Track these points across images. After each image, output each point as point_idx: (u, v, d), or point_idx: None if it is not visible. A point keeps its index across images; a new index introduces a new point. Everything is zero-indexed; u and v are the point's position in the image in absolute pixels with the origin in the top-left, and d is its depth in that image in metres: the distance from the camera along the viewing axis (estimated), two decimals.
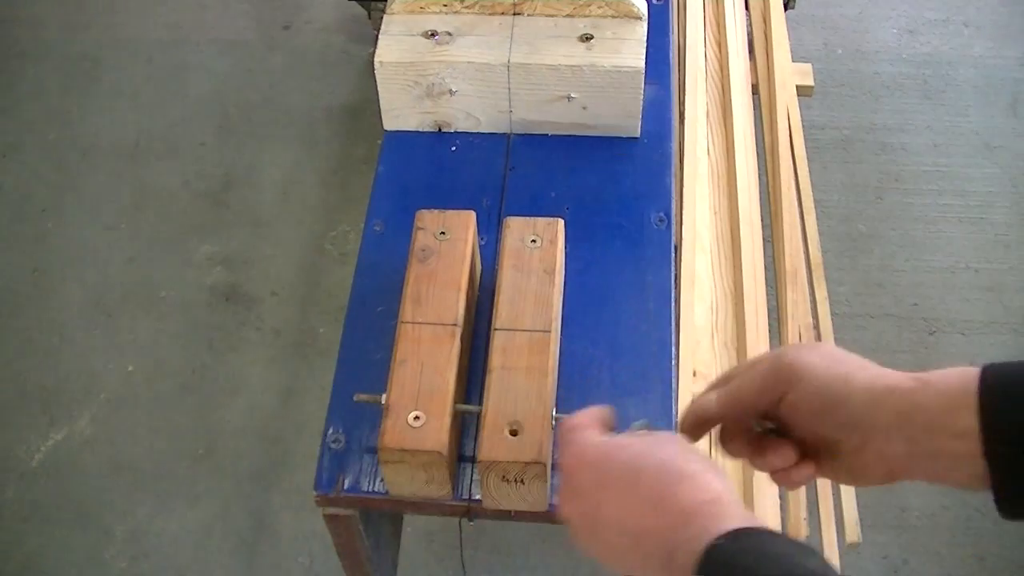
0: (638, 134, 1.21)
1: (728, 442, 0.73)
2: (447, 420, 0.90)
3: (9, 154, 2.28)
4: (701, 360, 1.36)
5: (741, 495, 1.28)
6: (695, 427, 0.74)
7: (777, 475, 0.72)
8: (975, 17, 2.48)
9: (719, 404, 0.72)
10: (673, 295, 1.09)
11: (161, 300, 2.03)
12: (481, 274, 1.09)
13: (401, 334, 0.95)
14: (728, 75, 1.70)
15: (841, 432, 0.67)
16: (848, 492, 1.44)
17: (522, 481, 0.89)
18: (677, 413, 1.00)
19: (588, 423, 0.73)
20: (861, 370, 0.67)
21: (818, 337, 1.57)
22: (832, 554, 1.35)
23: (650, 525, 0.63)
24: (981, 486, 0.62)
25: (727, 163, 1.61)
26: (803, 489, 1.35)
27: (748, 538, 0.59)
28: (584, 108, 1.18)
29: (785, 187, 1.68)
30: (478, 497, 0.94)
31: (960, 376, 0.63)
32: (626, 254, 1.12)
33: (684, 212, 1.48)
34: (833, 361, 0.67)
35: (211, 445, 1.84)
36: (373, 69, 1.17)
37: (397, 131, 1.22)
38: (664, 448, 0.67)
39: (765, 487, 1.27)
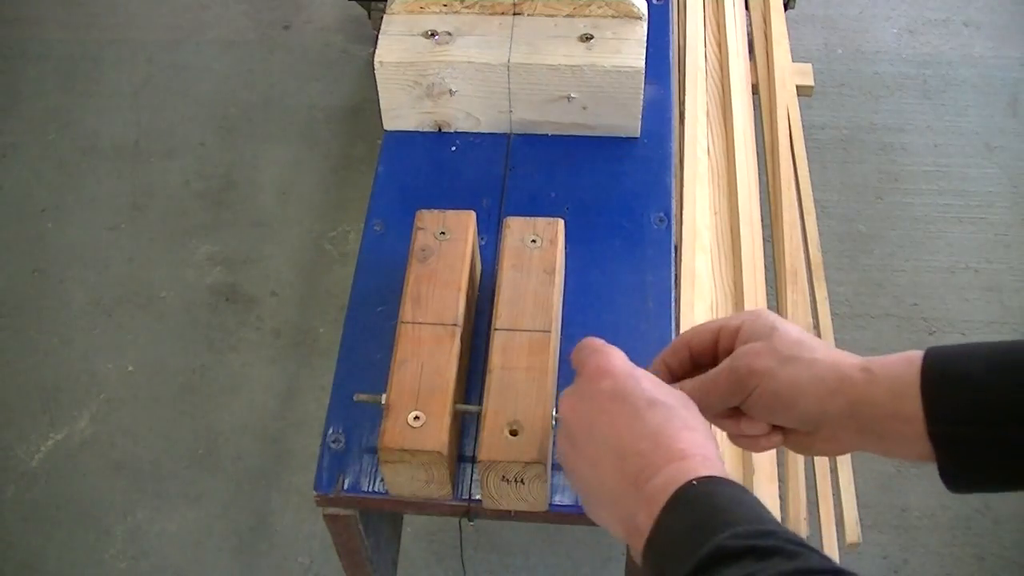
0: (638, 134, 1.21)
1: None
2: (447, 420, 0.90)
3: (9, 154, 2.28)
4: None
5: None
6: None
7: (743, 440, 0.76)
8: (975, 17, 2.48)
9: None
10: (673, 295, 1.09)
11: (161, 300, 2.03)
12: (481, 274, 1.09)
13: (401, 334, 0.95)
14: (728, 75, 1.70)
15: (796, 423, 0.73)
16: (848, 492, 1.43)
17: (522, 481, 0.89)
18: None
19: (617, 350, 0.75)
20: (812, 363, 0.71)
21: (818, 337, 1.57)
22: (832, 554, 1.35)
23: (642, 448, 0.66)
24: (927, 461, 0.68)
25: (727, 163, 1.61)
26: (803, 489, 1.35)
27: (725, 484, 0.63)
28: (584, 108, 1.18)
29: (785, 187, 1.68)
30: (478, 497, 0.94)
31: (905, 364, 0.68)
32: (626, 254, 1.12)
33: (684, 212, 1.48)
34: (785, 362, 0.71)
35: (211, 445, 1.84)
36: (373, 69, 1.17)
37: (397, 131, 1.22)
38: (678, 399, 0.70)
39: (764, 485, 1.27)
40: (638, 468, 0.65)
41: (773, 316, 0.75)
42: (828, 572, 0.57)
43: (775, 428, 0.75)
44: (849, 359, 0.71)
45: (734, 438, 0.77)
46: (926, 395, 0.66)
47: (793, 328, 0.74)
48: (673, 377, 0.79)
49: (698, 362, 0.78)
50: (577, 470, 0.70)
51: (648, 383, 0.70)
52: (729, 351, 0.75)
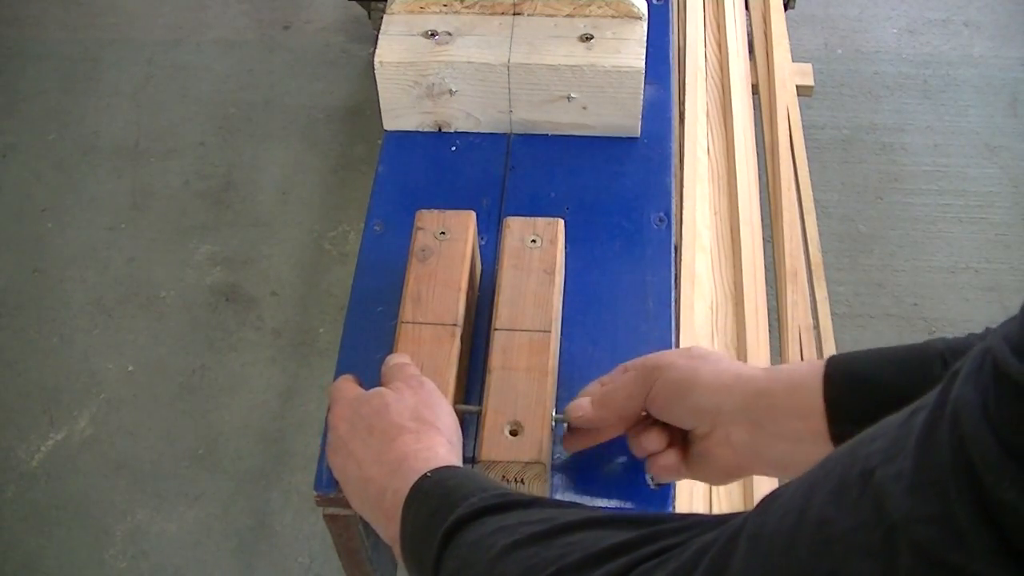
0: (638, 134, 1.20)
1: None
2: None
3: (9, 154, 2.28)
4: None
5: (741, 499, 1.29)
6: (575, 437, 0.84)
7: (650, 461, 0.80)
8: (975, 17, 2.48)
9: (594, 408, 0.79)
10: (673, 295, 1.09)
11: (161, 300, 2.03)
12: (481, 274, 1.09)
13: (401, 334, 0.95)
14: (728, 75, 1.70)
15: (692, 418, 0.73)
16: None
17: (522, 481, 0.89)
18: None
19: (350, 380, 0.83)
20: (716, 363, 0.73)
21: (818, 337, 1.57)
22: None
23: (373, 473, 0.71)
24: None
25: (727, 163, 1.61)
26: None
27: (455, 470, 0.67)
28: (584, 108, 1.18)
29: (785, 187, 1.68)
30: None
31: (808, 364, 0.68)
32: (626, 254, 1.11)
33: (684, 212, 1.48)
34: (690, 356, 0.74)
35: (211, 445, 1.84)
36: (373, 69, 1.17)
37: (397, 131, 1.22)
38: (400, 403, 0.75)
39: (765, 488, 1.27)
40: (376, 492, 0.70)
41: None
42: (566, 507, 0.60)
43: (671, 446, 0.77)
44: (754, 366, 0.73)
45: (645, 459, 0.80)
46: (828, 395, 0.66)
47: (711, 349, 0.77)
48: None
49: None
50: (357, 508, 0.76)
51: (366, 404, 0.76)
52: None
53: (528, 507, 0.60)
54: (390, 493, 0.69)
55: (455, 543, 0.60)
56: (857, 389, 0.65)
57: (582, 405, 0.80)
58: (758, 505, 0.47)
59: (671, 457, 0.78)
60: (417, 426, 0.73)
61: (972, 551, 0.36)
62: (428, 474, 0.67)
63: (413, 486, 0.66)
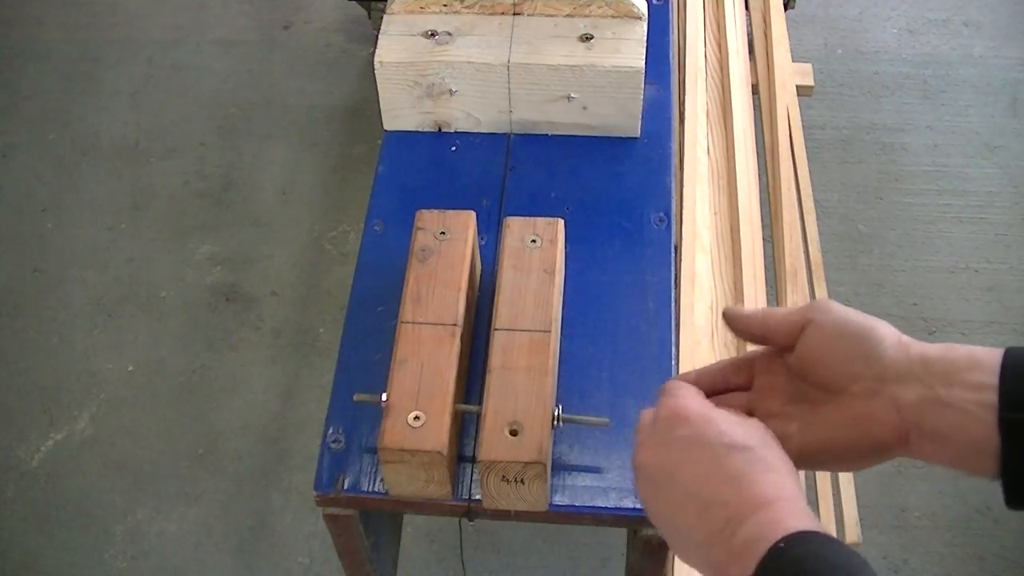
0: (638, 134, 1.21)
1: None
2: (447, 420, 0.90)
3: (9, 154, 2.28)
4: (701, 360, 1.36)
5: None
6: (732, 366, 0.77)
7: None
8: (975, 17, 2.48)
9: (756, 325, 0.74)
10: (673, 295, 1.09)
11: (161, 300, 2.03)
12: (481, 274, 1.09)
13: (401, 334, 0.95)
14: (728, 75, 1.70)
15: (865, 367, 0.68)
16: (848, 492, 1.44)
17: (522, 481, 0.89)
18: None
19: (693, 389, 0.74)
20: (889, 325, 0.68)
21: None
22: None
23: (727, 498, 0.64)
24: (980, 459, 0.63)
25: (727, 163, 1.61)
26: (803, 488, 1.35)
27: (813, 542, 0.60)
28: (584, 108, 1.18)
29: (785, 187, 1.68)
30: (478, 497, 0.94)
31: (986, 349, 0.64)
32: (626, 254, 1.12)
33: (684, 212, 1.48)
34: (854, 313, 0.69)
35: (211, 445, 1.84)
36: (373, 69, 1.17)
37: (397, 131, 1.22)
38: (758, 438, 0.68)
39: None
40: (724, 519, 0.64)
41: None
42: None
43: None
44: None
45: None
46: (1003, 379, 0.62)
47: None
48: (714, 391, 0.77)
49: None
50: (662, 516, 0.69)
51: (725, 425, 0.68)
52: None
53: None
54: (745, 531, 0.62)
55: None
56: None
57: (750, 316, 0.75)
58: None
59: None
60: (781, 466, 0.67)
61: None
62: (782, 544, 0.60)
63: (769, 554, 0.60)
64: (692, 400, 0.71)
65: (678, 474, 0.67)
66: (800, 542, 0.60)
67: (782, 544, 0.60)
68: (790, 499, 0.63)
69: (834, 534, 1.37)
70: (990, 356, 0.64)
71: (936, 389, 0.65)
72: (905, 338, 0.67)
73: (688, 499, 0.66)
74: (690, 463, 0.67)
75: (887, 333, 0.68)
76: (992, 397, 0.63)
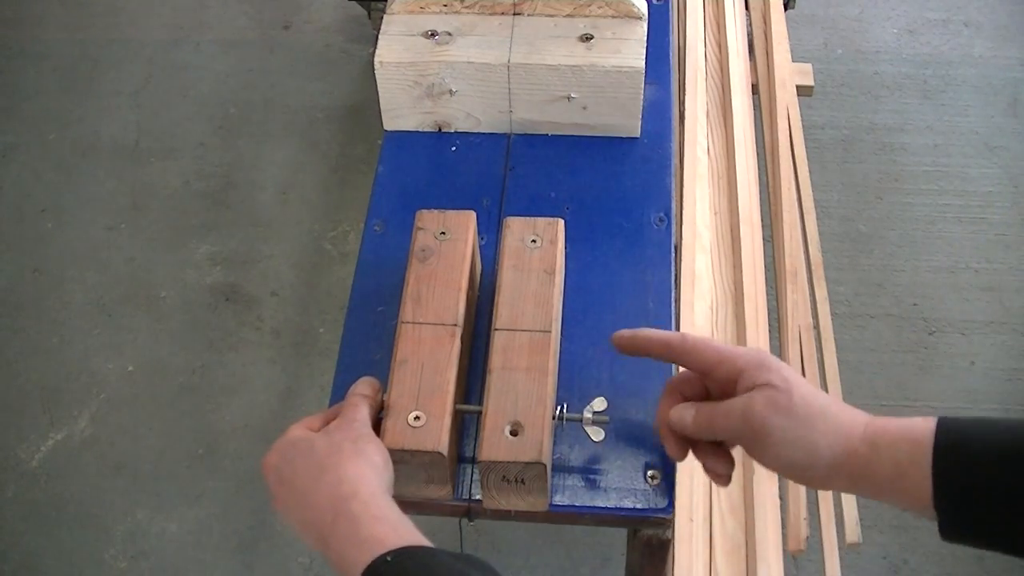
0: (638, 134, 1.20)
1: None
2: (447, 420, 0.90)
3: (9, 154, 2.28)
4: None
5: (741, 498, 1.28)
6: (678, 441, 0.82)
7: (710, 473, 0.82)
8: (975, 17, 2.48)
9: (693, 425, 0.79)
10: (673, 295, 1.09)
11: (161, 300, 2.03)
12: (481, 274, 1.09)
13: (401, 334, 0.95)
14: (728, 75, 1.70)
15: (790, 477, 0.76)
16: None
17: (522, 481, 0.89)
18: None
19: (304, 422, 0.84)
20: (823, 436, 0.72)
21: (818, 337, 1.57)
22: (832, 554, 1.35)
23: (326, 532, 0.73)
24: (920, 514, 0.70)
25: (727, 163, 1.61)
26: (803, 489, 1.35)
27: (414, 555, 0.68)
28: (584, 108, 1.18)
29: (785, 187, 1.68)
30: (478, 497, 0.94)
31: (910, 444, 0.68)
32: (626, 254, 1.11)
33: (684, 212, 1.48)
34: (798, 423, 0.72)
35: (211, 445, 1.84)
36: (373, 69, 1.17)
37: (397, 131, 1.22)
38: (349, 463, 0.78)
39: (765, 488, 1.27)
40: (325, 547, 0.73)
41: (777, 363, 0.76)
42: None
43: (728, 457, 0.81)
44: (855, 426, 0.72)
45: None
46: (937, 472, 0.67)
47: (803, 383, 0.75)
48: (684, 399, 0.82)
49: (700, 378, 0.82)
50: (285, 512, 0.79)
51: (310, 454, 0.79)
52: (729, 382, 0.77)
53: None
54: (348, 565, 0.70)
55: None
56: (966, 474, 0.67)
57: (684, 420, 0.80)
58: None
59: (730, 467, 0.81)
60: (371, 491, 0.76)
61: None
62: (388, 558, 0.68)
63: (370, 565, 0.68)
64: (291, 432, 0.82)
65: (291, 504, 0.78)
66: (398, 555, 0.68)
67: (388, 558, 0.68)
68: (382, 518, 0.73)
69: (834, 534, 1.37)
70: (912, 459, 0.68)
71: (872, 496, 0.73)
72: (837, 450, 0.71)
73: (302, 525, 0.77)
74: (294, 493, 0.78)
75: (818, 463, 0.72)
76: (922, 495, 0.68)
